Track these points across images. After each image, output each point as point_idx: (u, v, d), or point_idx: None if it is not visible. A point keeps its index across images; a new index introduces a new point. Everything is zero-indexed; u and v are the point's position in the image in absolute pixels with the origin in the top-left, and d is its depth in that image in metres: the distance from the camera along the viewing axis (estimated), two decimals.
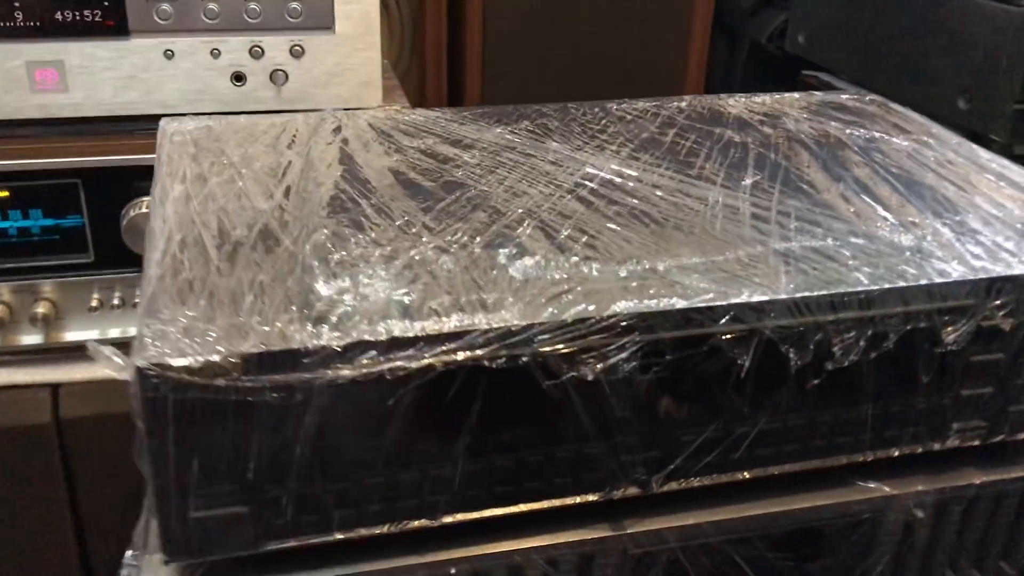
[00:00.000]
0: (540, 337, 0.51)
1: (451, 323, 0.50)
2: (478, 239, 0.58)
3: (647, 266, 0.56)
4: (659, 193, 0.66)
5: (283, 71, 0.99)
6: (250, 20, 0.97)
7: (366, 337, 0.49)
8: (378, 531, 0.53)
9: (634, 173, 0.69)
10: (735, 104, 0.85)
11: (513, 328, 0.50)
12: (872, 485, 0.62)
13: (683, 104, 0.85)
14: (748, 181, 0.68)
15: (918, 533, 0.64)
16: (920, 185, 0.69)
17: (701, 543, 0.59)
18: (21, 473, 0.98)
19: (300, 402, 0.48)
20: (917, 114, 0.85)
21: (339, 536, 0.53)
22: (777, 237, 0.60)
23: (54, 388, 0.98)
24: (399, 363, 0.49)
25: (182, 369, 0.46)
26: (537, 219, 0.61)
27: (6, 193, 0.95)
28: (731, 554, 0.60)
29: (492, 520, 0.56)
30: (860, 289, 0.55)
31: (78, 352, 1.00)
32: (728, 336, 0.54)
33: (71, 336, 1.01)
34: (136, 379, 0.46)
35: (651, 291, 0.54)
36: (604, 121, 0.79)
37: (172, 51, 0.96)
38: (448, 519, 0.54)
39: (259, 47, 0.97)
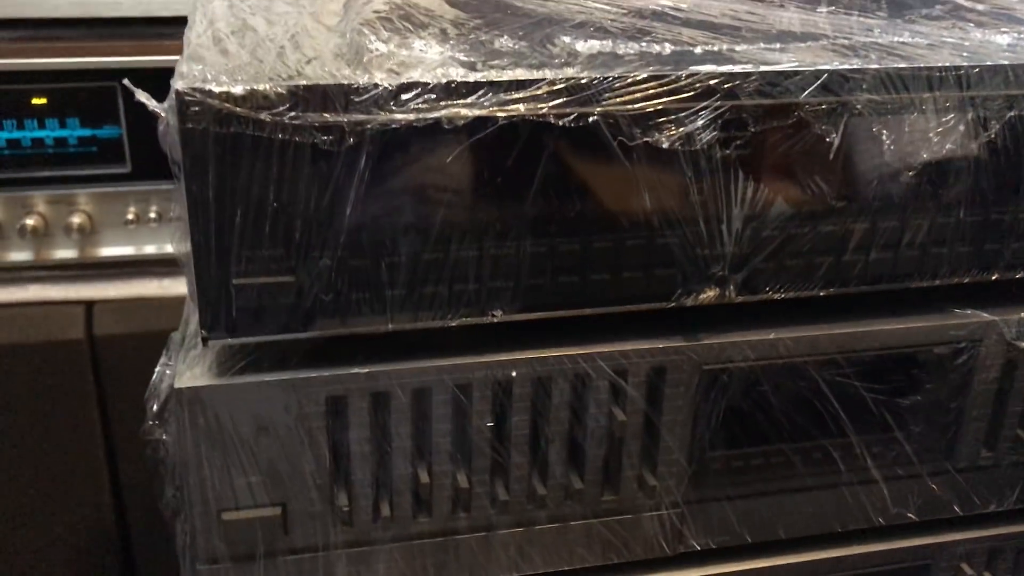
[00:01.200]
0: (610, 94, 0.46)
1: (515, 74, 0.46)
2: (539, 32, 0.54)
3: (726, 47, 0.52)
4: (731, 11, 0.61)
5: None
6: None
7: (422, 79, 0.44)
8: (434, 322, 0.49)
9: (702, 1, 0.64)
10: None
11: (583, 81, 0.46)
12: (969, 311, 0.57)
13: None
14: (824, 8, 0.63)
15: (1020, 371, 0.58)
16: (1010, 15, 0.64)
17: (784, 362, 0.54)
18: (53, 389, 0.94)
19: (351, 147, 0.44)
20: None
21: (392, 326, 0.48)
22: (862, 35, 0.56)
23: (88, 305, 0.95)
24: (457, 110, 0.45)
25: (224, 96, 0.42)
26: (602, 25, 0.56)
27: (44, 100, 0.93)
28: (815, 377, 0.55)
29: (558, 322, 0.51)
30: (959, 64, 0.50)
31: (113, 269, 0.97)
32: (816, 108, 0.49)
33: (106, 251, 0.97)
34: (174, 107, 0.42)
35: (731, 61, 0.49)
36: None
37: None
38: (508, 313, 0.50)
39: None
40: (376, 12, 0.54)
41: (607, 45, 0.51)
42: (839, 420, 0.56)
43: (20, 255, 0.95)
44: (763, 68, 0.48)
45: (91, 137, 0.95)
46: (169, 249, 0.93)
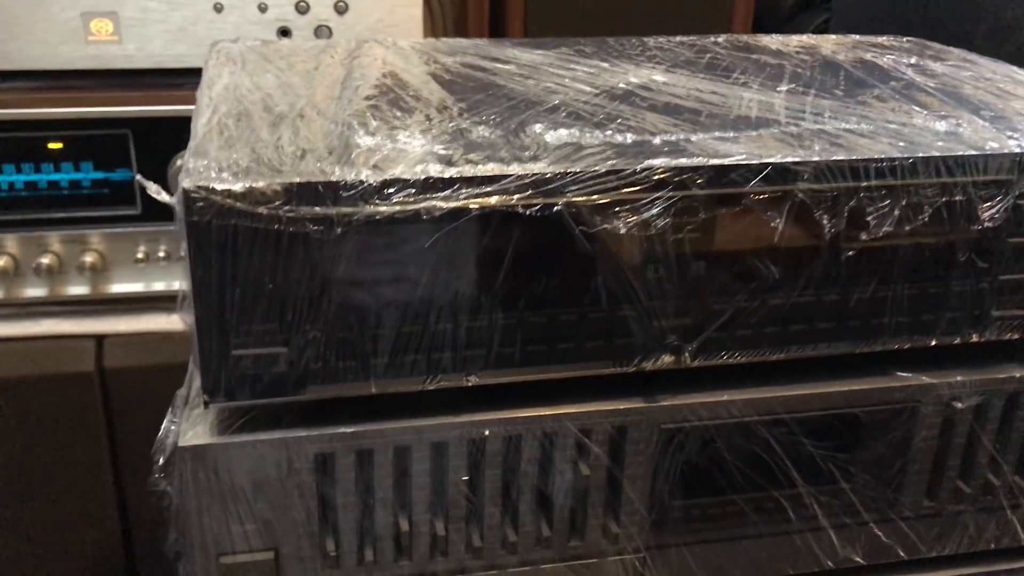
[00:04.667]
0: (573, 187, 0.52)
1: (487, 168, 0.51)
2: (514, 118, 0.59)
3: (682, 136, 0.57)
4: (696, 92, 0.66)
5: (327, 27, 1.01)
6: None
7: (403, 176, 0.50)
8: (414, 386, 0.54)
9: (671, 80, 0.70)
10: (772, 40, 0.86)
11: (548, 175, 0.51)
12: (909, 374, 0.62)
13: (721, 39, 0.86)
14: (784, 87, 0.69)
15: (958, 428, 0.63)
16: (957, 92, 0.70)
17: (736, 422, 0.59)
18: (65, 419, 0.99)
19: (339, 237, 0.49)
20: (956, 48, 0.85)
21: (375, 389, 0.54)
22: (811, 120, 0.61)
23: (99, 339, 1.00)
24: (434, 203, 0.50)
25: (225, 193, 0.47)
26: (573, 108, 0.62)
27: (59, 144, 0.98)
28: (766, 435, 0.60)
29: (526, 387, 0.56)
30: (894, 156, 0.56)
31: (124, 304, 1.02)
32: (761, 197, 0.54)
33: (117, 288, 1.02)
34: (181, 202, 0.48)
35: (685, 153, 0.54)
36: (641, 49, 0.81)
37: (222, 5, 0.99)
38: (482, 378, 0.55)
39: (305, 3, 1.00)
40: (367, 99, 0.60)
41: (574, 134, 0.56)
42: (789, 473, 0.61)
43: (35, 291, 1.00)
44: (712, 162, 0.53)
45: (104, 180, 1.00)
46: (176, 286, 0.98)
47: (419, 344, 0.53)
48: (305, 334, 0.51)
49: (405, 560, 0.58)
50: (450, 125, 0.57)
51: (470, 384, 0.55)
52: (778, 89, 0.68)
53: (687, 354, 0.57)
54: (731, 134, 0.58)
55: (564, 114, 0.60)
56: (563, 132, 0.57)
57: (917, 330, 0.60)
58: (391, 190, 0.49)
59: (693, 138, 0.57)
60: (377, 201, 0.49)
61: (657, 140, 0.56)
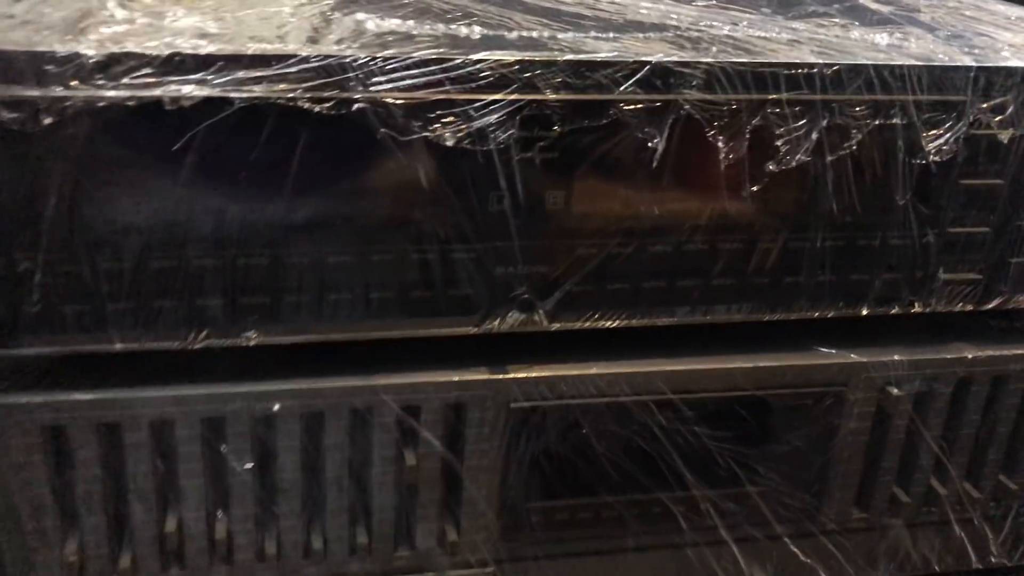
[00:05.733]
0: (379, 77, 0.39)
1: (261, 47, 0.38)
2: (341, 9, 0.46)
3: (546, 34, 0.44)
4: (590, 1, 0.54)
5: None
6: None
7: (137, 50, 0.37)
8: (171, 342, 0.41)
9: None
10: None
11: (346, 60, 0.38)
12: (832, 351, 0.49)
13: None
14: (703, 2, 0.56)
15: (894, 420, 0.50)
16: (912, 16, 0.57)
17: (606, 401, 0.46)
18: None
19: (48, 129, 0.36)
20: None
21: (119, 345, 0.41)
22: (724, 26, 0.48)
23: None
24: (182, 88, 0.37)
25: None
26: (424, 4, 0.49)
27: None
28: (647, 420, 0.47)
29: (330, 349, 0.43)
30: (812, 62, 0.43)
31: None
32: (635, 107, 0.41)
33: None
34: None
35: (543, 49, 0.41)
36: None
37: None
38: (265, 335, 0.42)
39: None
40: None
41: (408, 25, 0.44)
42: (678, 471, 0.48)
43: None
44: (569, 57, 0.40)
45: None
46: None
47: (176, 285, 0.40)
48: (14, 265, 0.38)
49: (177, 568, 0.45)
50: (243, 12, 0.44)
51: (251, 343, 0.42)
52: (696, 2, 0.55)
53: (542, 312, 0.44)
54: (611, 35, 0.45)
55: (409, 9, 0.47)
56: (395, 22, 0.44)
57: (843, 294, 0.48)
58: (119, 68, 0.36)
59: (561, 36, 0.44)
60: (100, 82, 0.36)
61: (513, 35, 0.44)
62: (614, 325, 0.46)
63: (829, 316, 0.48)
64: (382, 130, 0.39)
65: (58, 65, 0.36)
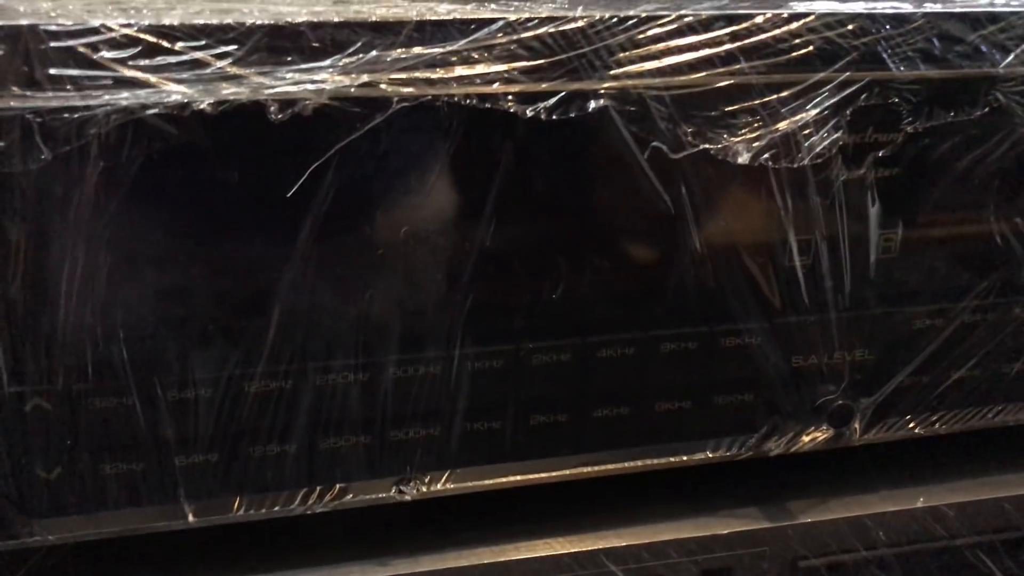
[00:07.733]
0: (626, 54, 0.22)
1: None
2: None
3: None
4: None
5: None
6: None
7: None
8: (286, 508, 0.25)
9: None
10: None
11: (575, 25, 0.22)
12: None
13: None
14: None
15: None
16: None
17: (942, 545, 0.30)
18: None
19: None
20: None
21: (192, 519, 0.24)
22: None
23: None
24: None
25: None
26: None
27: None
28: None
29: (510, 498, 0.27)
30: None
31: None
32: None
33: None
34: None
35: None
36: None
37: None
38: (428, 483, 0.26)
39: None
40: None
41: None
42: None
43: None
44: (931, 7, 0.24)
45: None
46: None
47: (284, 423, 0.24)
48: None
49: None
50: None
51: (405, 498, 0.25)
52: None
53: (856, 422, 0.28)
54: None
55: None
56: None
57: None
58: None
59: None
60: None
61: None
62: (952, 430, 0.29)
63: None
64: (632, 141, 0.22)
65: None
